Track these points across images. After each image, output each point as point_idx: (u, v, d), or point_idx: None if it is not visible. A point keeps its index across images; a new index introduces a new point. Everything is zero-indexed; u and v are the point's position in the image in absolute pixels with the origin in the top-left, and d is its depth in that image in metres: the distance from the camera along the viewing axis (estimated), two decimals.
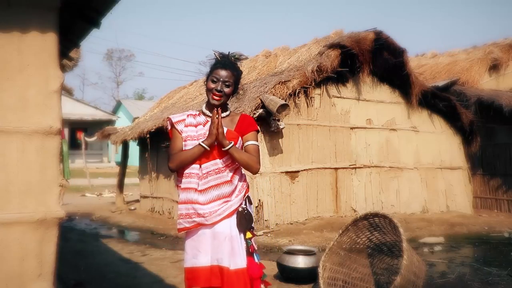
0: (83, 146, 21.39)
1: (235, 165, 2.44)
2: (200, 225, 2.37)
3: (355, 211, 7.93)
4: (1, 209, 2.17)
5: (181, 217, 2.41)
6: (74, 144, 26.10)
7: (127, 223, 9.20)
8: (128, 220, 9.44)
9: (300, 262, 4.48)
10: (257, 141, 2.50)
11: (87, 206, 11.59)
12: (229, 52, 2.52)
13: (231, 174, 2.42)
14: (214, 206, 2.35)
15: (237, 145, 2.42)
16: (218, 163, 2.39)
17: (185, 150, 2.42)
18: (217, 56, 2.50)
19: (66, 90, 25.82)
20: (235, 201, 2.40)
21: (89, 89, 77.34)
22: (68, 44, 3.56)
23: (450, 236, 7.38)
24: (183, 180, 2.42)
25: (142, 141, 10.08)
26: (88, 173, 17.81)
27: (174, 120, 2.51)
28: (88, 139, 21.96)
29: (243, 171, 2.53)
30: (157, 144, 9.19)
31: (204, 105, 2.54)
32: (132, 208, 11.03)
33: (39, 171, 2.24)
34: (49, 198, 2.26)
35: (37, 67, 2.26)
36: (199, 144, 2.36)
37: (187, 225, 2.39)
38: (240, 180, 2.47)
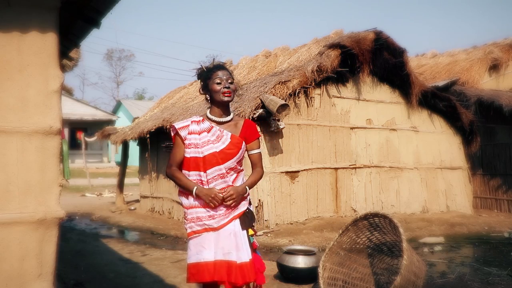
0: (83, 146, 21.38)
1: (237, 169, 2.55)
2: (209, 230, 2.44)
3: (355, 211, 7.93)
4: (1, 209, 2.17)
5: (192, 220, 2.48)
6: (74, 144, 26.09)
7: (127, 223, 9.19)
8: (128, 220, 9.43)
9: (300, 262, 4.48)
10: (260, 148, 2.66)
11: (87, 206, 11.59)
12: (214, 59, 2.65)
13: (233, 177, 2.52)
14: (222, 209, 2.45)
15: (241, 150, 2.53)
16: (221, 168, 2.47)
17: (184, 173, 2.51)
18: (204, 67, 2.60)
19: (66, 90, 25.86)
20: (242, 204, 2.50)
21: (89, 89, 77.20)
22: (68, 44, 3.56)
23: (450, 236, 7.39)
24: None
25: (142, 141, 10.08)
26: (88, 173, 17.80)
27: (177, 127, 2.57)
28: (88, 139, 21.95)
29: (244, 172, 2.63)
30: (157, 144, 9.19)
31: (208, 110, 2.59)
32: (132, 208, 11.03)
33: (39, 171, 2.24)
34: (49, 198, 2.26)
35: (37, 67, 2.25)
36: (194, 189, 2.43)
37: (197, 229, 2.46)
38: (242, 182, 2.57)
